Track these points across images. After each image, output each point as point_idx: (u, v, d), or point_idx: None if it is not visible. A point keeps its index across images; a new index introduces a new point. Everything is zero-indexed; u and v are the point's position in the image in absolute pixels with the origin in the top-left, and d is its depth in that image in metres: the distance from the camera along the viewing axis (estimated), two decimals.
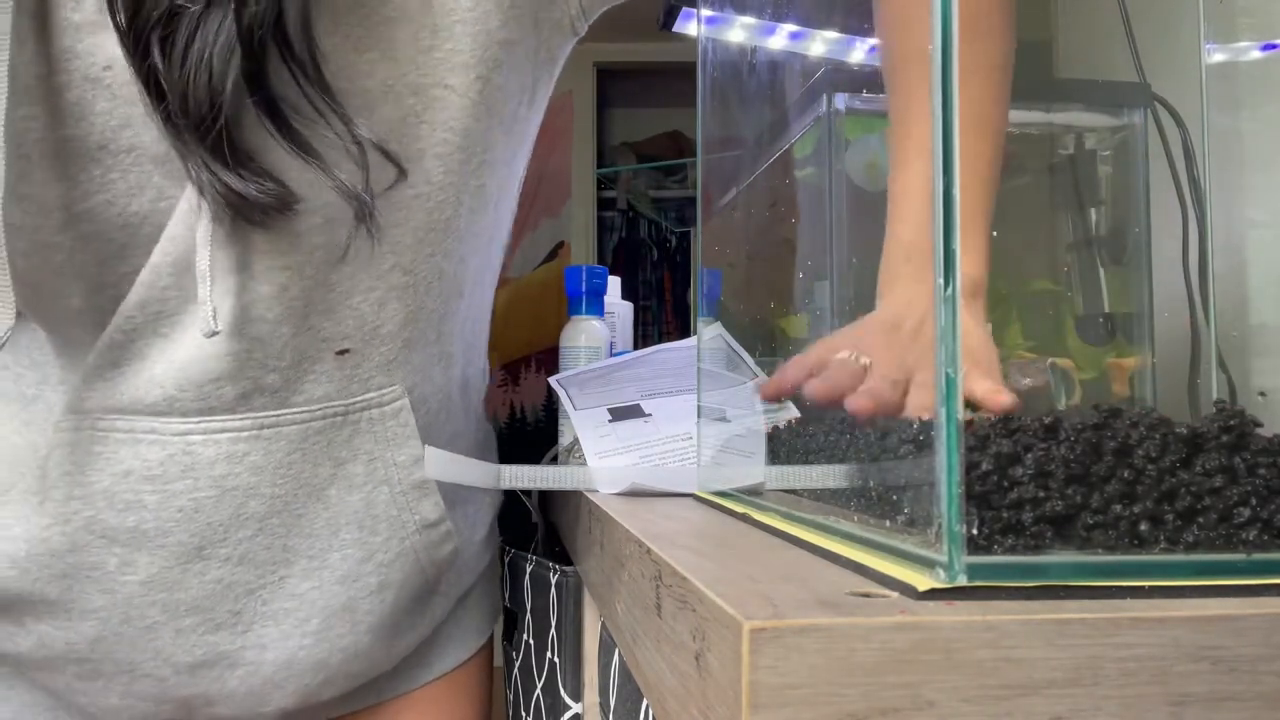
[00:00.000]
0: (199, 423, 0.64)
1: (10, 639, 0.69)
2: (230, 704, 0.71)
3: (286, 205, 0.59)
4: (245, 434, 0.65)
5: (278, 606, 0.70)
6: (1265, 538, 0.39)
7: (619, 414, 0.90)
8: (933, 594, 0.33)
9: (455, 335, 0.75)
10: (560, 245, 4.06)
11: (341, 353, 0.67)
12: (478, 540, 0.86)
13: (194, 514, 0.66)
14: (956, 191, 0.34)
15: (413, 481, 0.72)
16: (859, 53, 0.88)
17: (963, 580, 0.33)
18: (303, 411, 0.67)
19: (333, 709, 0.78)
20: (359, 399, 0.69)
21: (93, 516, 0.65)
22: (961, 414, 0.34)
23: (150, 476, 0.65)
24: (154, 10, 0.55)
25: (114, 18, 0.56)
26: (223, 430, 0.65)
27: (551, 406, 1.61)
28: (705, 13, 0.87)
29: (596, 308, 1.13)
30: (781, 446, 0.65)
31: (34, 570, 0.66)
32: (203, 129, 0.56)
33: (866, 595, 0.34)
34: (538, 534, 1.07)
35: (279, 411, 0.66)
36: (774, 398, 0.61)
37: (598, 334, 1.11)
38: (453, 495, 0.77)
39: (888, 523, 0.41)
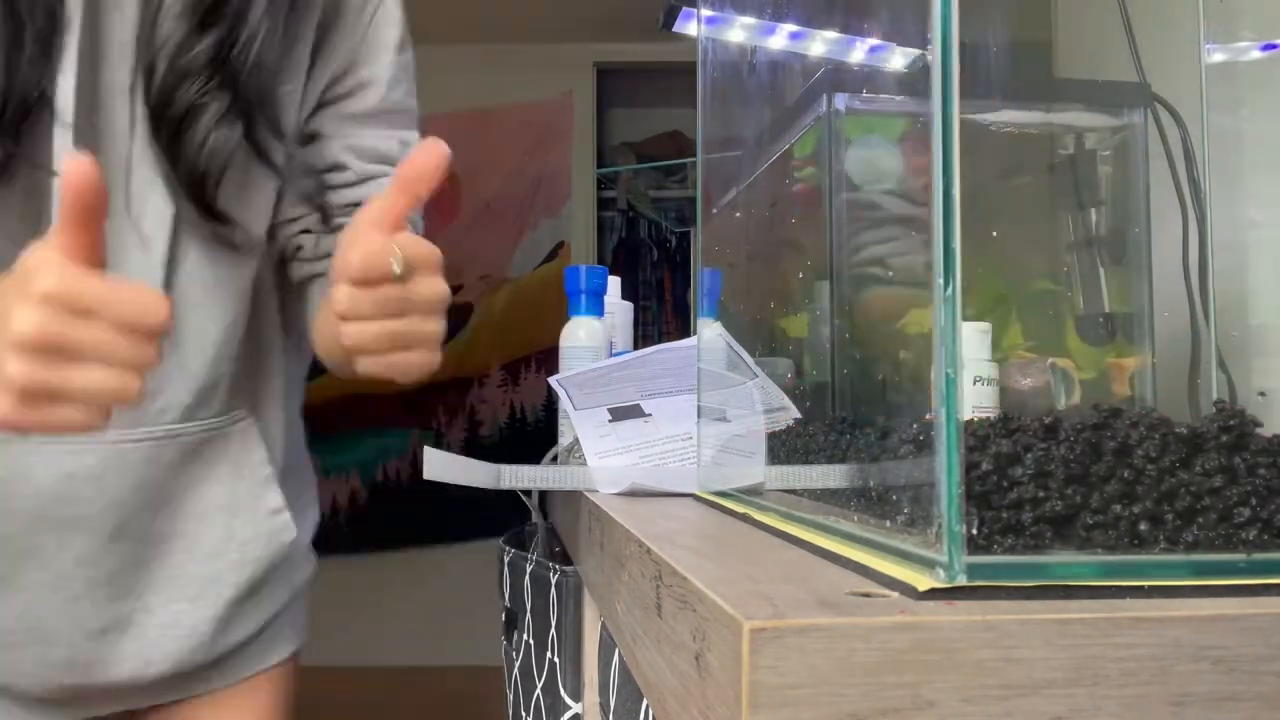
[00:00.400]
0: (129, 432, 0.82)
1: None
2: (121, 666, 0.86)
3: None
4: (161, 441, 0.84)
5: (162, 575, 0.87)
6: (1265, 538, 0.39)
7: (619, 414, 0.90)
8: (933, 594, 0.33)
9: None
10: (560, 245, 4.06)
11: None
12: (302, 544, 0.99)
13: (119, 504, 0.83)
14: (956, 191, 0.34)
15: (262, 477, 0.91)
16: (859, 53, 0.88)
17: (963, 580, 0.33)
18: (198, 424, 0.87)
19: (168, 691, 0.92)
20: (230, 415, 0.90)
21: (39, 508, 0.81)
22: (961, 415, 0.34)
23: (91, 477, 0.82)
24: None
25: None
26: (147, 438, 0.84)
27: (551, 406, 1.61)
28: (705, 13, 0.87)
29: (596, 308, 1.13)
30: (782, 446, 0.65)
31: None
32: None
33: (866, 595, 0.34)
34: (538, 534, 1.07)
35: (185, 424, 0.86)
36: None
37: (598, 334, 1.11)
38: (288, 496, 0.94)
39: (888, 523, 0.41)
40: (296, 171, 0.91)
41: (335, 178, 0.93)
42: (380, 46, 0.96)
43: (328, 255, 0.88)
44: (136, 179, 0.81)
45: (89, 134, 0.80)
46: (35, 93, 0.76)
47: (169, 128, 0.80)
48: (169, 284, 0.83)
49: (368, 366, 0.66)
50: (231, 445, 0.90)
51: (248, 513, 0.91)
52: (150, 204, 0.82)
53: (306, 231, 0.92)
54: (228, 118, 0.80)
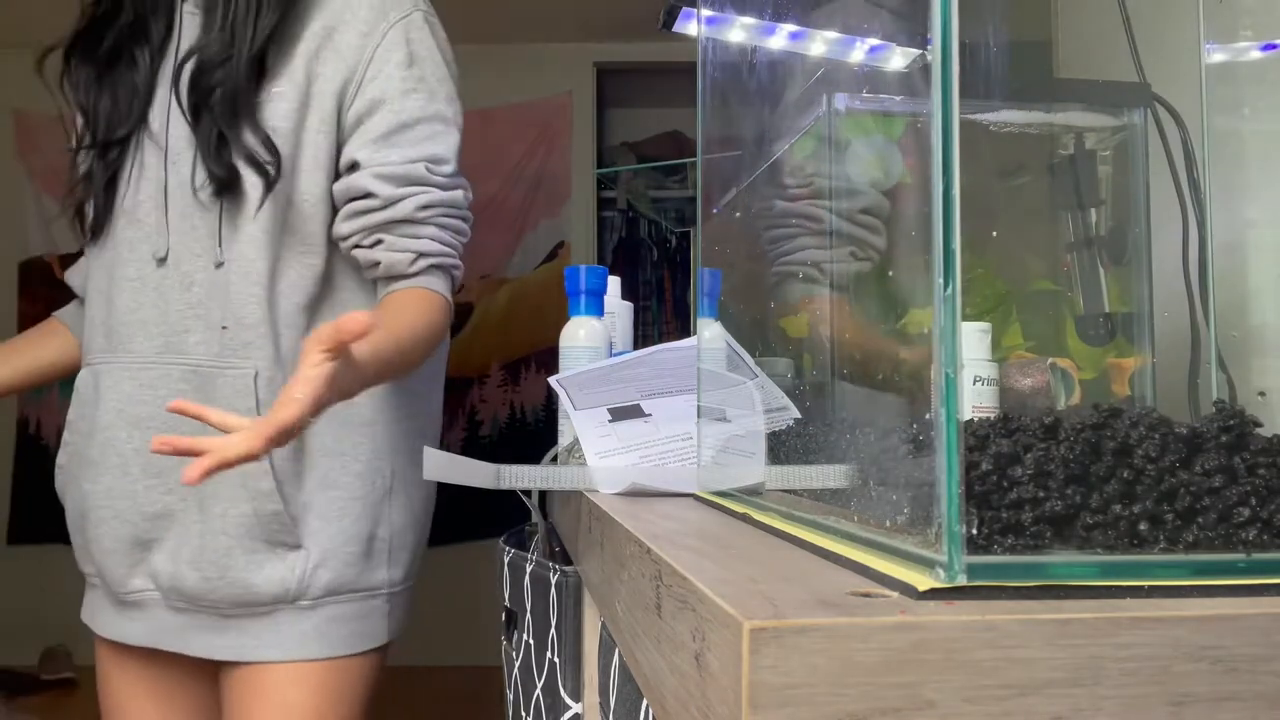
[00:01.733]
0: (174, 358, 1.08)
1: (75, 488, 1.12)
2: (162, 553, 1.07)
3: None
4: (188, 370, 1.08)
5: (197, 489, 1.04)
6: (1265, 537, 0.39)
7: (619, 414, 0.90)
8: (933, 594, 0.33)
9: None
10: (560, 245, 4.06)
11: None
12: (337, 546, 1.09)
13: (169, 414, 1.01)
14: (956, 191, 0.34)
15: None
16: (859, 53, 0.88)
17: (963, 580, 0.33)
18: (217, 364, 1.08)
19: (215, 627, 1.08)
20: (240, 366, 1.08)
21: (120, 406, 1.07)
22: (961, 414, 0.34)
23: (148, 385, 1.07)
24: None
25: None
26: (180, 363, 1.08)
27: (551, 406, 1.61)
28: (705, 13, 0.87)
29: (596, 308, 1.13)
30: (782, 446, 0.65)
31: (83, 441, 1.11)
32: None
33: (867, 595, 0.34)
34: (538, 534, 1.07)
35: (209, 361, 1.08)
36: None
37: (598, 334, 1.11)
38: (304, 494, 1.08)
39: (888, 523, 0.41)
40: (342, 199, 1.08)
41: (363, 204, 1.06)
42: (386, 63, 1.07)
43: (374, 264, 1.08)
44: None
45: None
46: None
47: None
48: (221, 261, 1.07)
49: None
50: (224, 390, 1.05)
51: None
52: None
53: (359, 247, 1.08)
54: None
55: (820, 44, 0.87)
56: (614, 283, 1.22)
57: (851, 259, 0.81)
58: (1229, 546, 0.39)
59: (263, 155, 1.02)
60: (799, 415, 0.74)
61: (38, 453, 3.93)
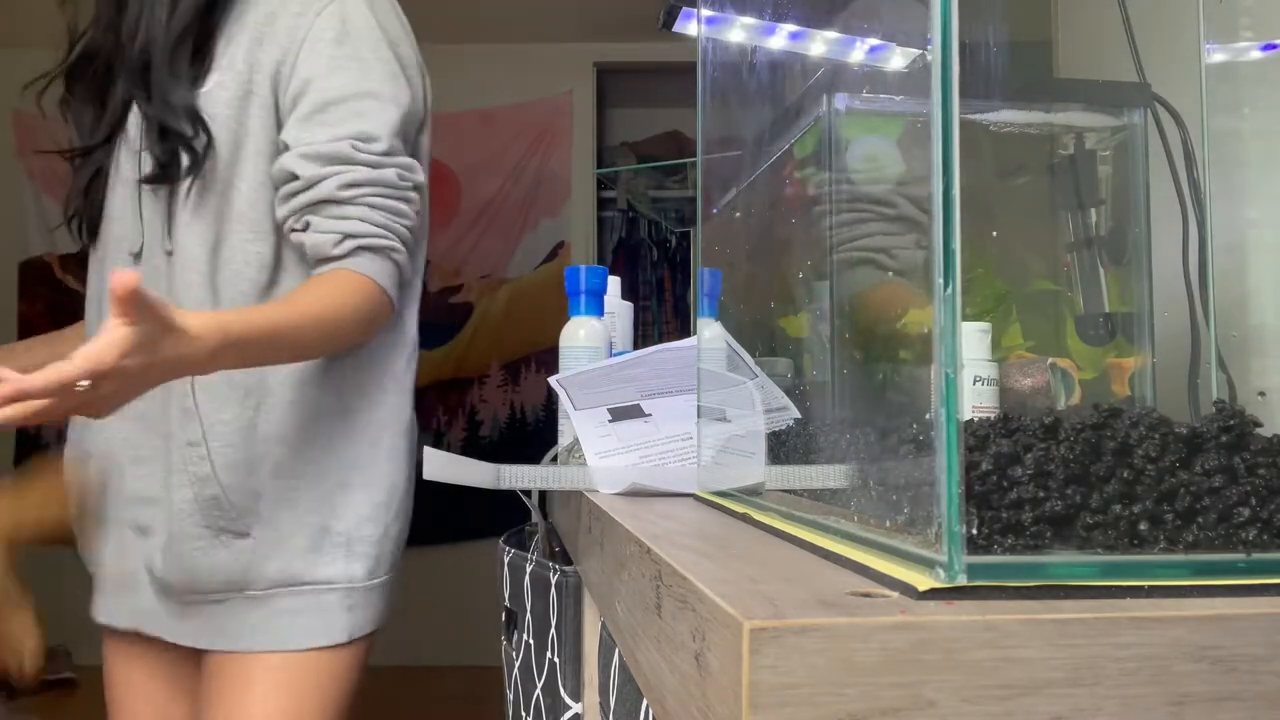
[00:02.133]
0: None
1: (75, 479, 1.14)
2: (150, 539, 1.08)
3: None
4: None
5: (168, 463, 1.07)
6: (1265, 538, 0.39)
7: (619, 414, 0.90)
8: (933, 594, 0.33)
9: None
10: (560, 245, 4.06)
11: None
12: (285, 537, 1.07)
13: (149, 406, 1.04)
14: (955, 191, 0.34)
15: (183, 407, 1.06)
16: (859, 53, 0.88)
17: (962, 580, 0.33)
18: None
19: (193, 612, 1.08)
20: None
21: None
22: (961, 414, 0.34)
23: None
24: None
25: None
26: None
27: (551, 406, 1.61)
28: (705, 13, 0.87)
29: (596, 308, 1.13)
30: (782, 446, 0.65)
31: (81, 434, 1.14)
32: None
33: (866, 595, 0.34)
34: (538, 534, 1.07)
35: None
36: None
37: (598, 334, 1.11)
38: (251, 495, 1.07)
39: (888, 523, 0.41)
40: (275, 182, 1.05)
41: (290, 186, 1.04)
42: (318, 42, 1.06)
43: (303, 247, 1.05)
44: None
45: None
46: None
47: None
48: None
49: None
50: (179, 383, 1.05)
51: (189, 430, 1.06)
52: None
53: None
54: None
55: (821, 43, 0.87)
56: (614, 283, 1.22)
57: (917, 246, 0.80)
58: (1229, 546, 0.39)
59: (188, 135, 1.02)
60: (799, 416, 0.74)
61: (37, 453, 3.93)
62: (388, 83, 1.07)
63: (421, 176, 1.10)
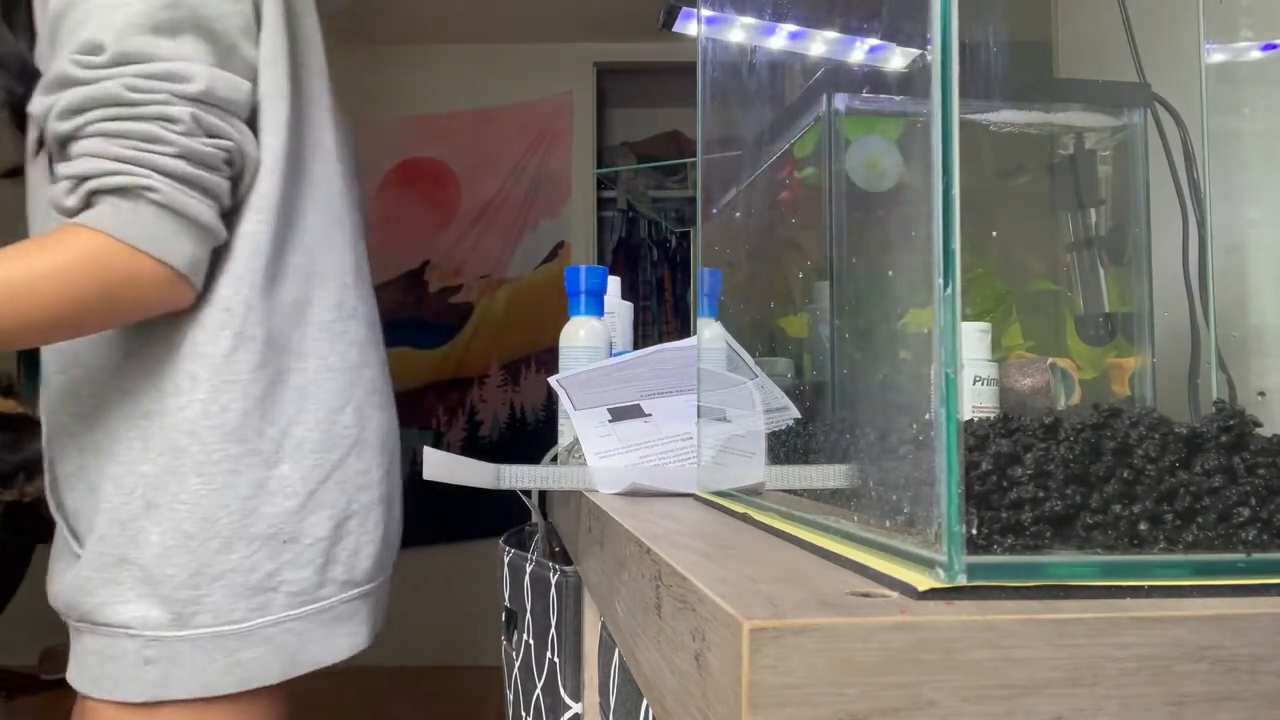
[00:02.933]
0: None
1: None
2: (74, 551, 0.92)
3: None
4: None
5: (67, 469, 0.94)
6: (1265, 538, 0.39)
7: (619, 414, 0.90)
8: (932, 594, 0.33)
9: None
10: (560, 245, 4.06)
11: None
12: (84, 563, 0.88)
13: (51, 393, 0.95)
14: (955, 191, 0.34)
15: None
16: (859, 53, 0.88)
17: (962, 580, 0.33)
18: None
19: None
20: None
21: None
22: (961, 414, 0.34)
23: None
24: None
25: None
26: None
27: (551, 406, 1.61)
28: (705, 13, 0.87)
29: (596, 308, 1.13)
30: (782, 446, 0.65)
31: None
32: None
33: (866, 595, 0.34)
34: (538, 534, 1.07)
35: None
36: None
37: (598, 334, 1.11)
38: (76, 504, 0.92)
39: (888, 523, 0.41)
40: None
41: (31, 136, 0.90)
42: None
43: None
44: None
45: None
46: None
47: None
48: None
49: None
50: None
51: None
52: None
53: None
54: None
55: (821, 43, 0.87)
56: (614, 283, 1.22)
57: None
58: (1229, 546, 0.39)
59: (19, 91, 0.88)
60: (797, 416, 0.74)
61: None
62: None
63: (198, 85, 0.82)
